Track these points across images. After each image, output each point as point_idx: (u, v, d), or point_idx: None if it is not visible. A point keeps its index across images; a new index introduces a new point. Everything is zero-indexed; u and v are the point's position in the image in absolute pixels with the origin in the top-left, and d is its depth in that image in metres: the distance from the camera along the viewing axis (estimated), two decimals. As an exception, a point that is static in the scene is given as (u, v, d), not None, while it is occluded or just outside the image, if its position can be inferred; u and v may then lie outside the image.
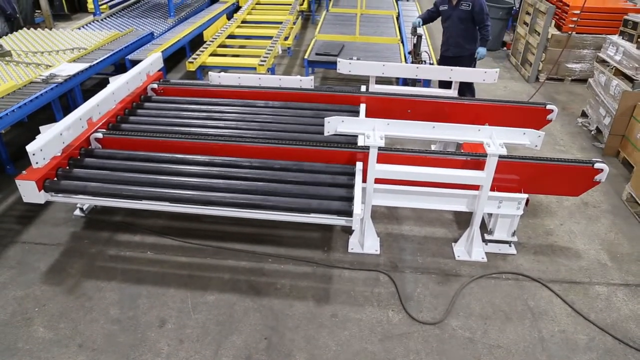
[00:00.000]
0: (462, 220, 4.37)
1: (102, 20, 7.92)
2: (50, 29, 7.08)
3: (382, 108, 4.60)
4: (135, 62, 5.63)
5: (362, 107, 4.56)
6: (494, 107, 4.64)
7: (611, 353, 3.21)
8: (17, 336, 3.22)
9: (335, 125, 3.73)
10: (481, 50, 5.78)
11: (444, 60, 5.89)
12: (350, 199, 3.40)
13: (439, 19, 5.99)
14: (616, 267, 3.95)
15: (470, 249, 3.98)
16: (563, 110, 6.80)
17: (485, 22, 5.57)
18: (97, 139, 4.05)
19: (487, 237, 4.06)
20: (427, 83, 6.19)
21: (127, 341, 3.21)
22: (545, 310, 3.52)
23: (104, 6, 8.60)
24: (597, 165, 3.67)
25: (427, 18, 6.04)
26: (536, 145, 3.66)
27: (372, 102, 4.68)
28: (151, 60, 5.17)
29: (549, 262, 3.97)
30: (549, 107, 4.52)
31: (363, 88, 5.04)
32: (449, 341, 3.26)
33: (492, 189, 3.68)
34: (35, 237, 4.11)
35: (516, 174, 3.79)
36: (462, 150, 4.51)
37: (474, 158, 3.77)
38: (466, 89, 5.99)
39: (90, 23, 7.74)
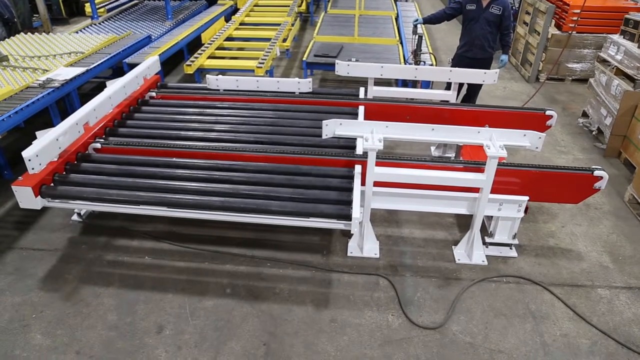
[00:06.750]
0: (463, 223, 4.34)
1: (99, 23, 7.92)
2: (48, 33, 7.07)
3: (381, 114, 4.57)
4: (132, 66, 5.62)
5: (361, 110, 4.54)
6: (493, 112, 4.61)
7: (614, 357, 3.17)
8: (15, 343, 3.20)
9: (333, 128, 3.70)
10: (505, 58, 5.69)
11: (461, 61, 5.72)
12: (349, 203, 3.37)
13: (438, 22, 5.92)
14: (618, 270, 3.92)
15: (470, 252, 3.94)
16: (564, 110, 6.77)
17: (510, 28, 5.54)
18: (95, 149, 4.03)
19: (487, 239, 4.02)
20: (426, 84, 6.16)
21: (124, 348, 3.18)
22: (547, 314, 3.48)
23: (102, 10, 8.58)
24: (596, 173, 3.64)
25: (441, 16, 5.77)
26: (537, 147, 3.63)
27: (370, 108, 4.65)
28: (148, 63, 5.14)
29: (550, 265, 3.94)
30: (548, 112, 4.49)
31: (361, 90, 5.02)
32: (449, 346, 3.23)
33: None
34: (32, 242, 4.09)
35: (515, 181, 3.76)
36: (461, 155, 4.49)
37: (473, 166, 3.75)
38: (474, 94, 5.92)
39: (88, 27, 7.74)
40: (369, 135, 3.57)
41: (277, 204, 3.42)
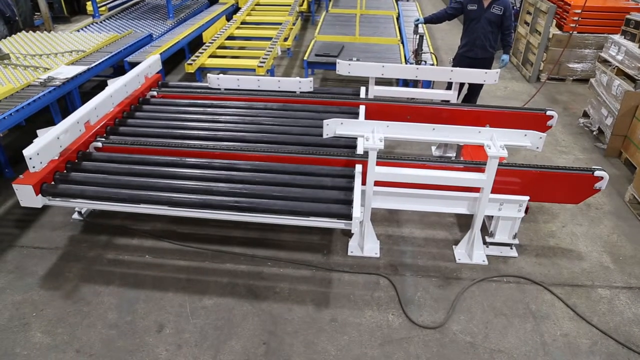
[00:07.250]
0: (463, 222, 4.34)
1: (101, 22, 7.91)
2: (50, 31, 7.07)
3: (382, 113, 4.57)
4: (134, 64, 5.61)
5: (362, 109, 4.54)
6: (494, 113, 4.61)
7: (614, 357, 3.18)
8: (15, 341, 3.20)
9: (334, 127, 3.69)
10: (505, 58, 5.67)
11: (463, 61, 5.72)
12: (349, 202, 3.37)
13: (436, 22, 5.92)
14: (619, 270, 3.91)
15: (471, 252, 3.94)
16: (564, 110, 6.77)
17: (511, 28, 5.52)
18: (96, 148, 4.04)
19: (488, 239, 4.02)
20: (427, 84, 6.15)
21: (125, 346, 3.18)
22: (547, 313, 3.48)
23: (103, 8, 8.58)
24: (597, 173, 3.64)
25: (442, 16, 5.77)
26: (537, 147, 3.62)
27: (371, 107, 4.65)
28: (149, 62, 5.15)
29: (550, 265, 3.93)
30: (549, 112, 4.49)
31: (362, 90, 5.02)
32: (449, 345, 3.23)
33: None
34: (33, 241, 4.09)
35: (515, 181, 3.76)
36: (462, 155, 4.48)
37: (474, 166, 3.75)
38: (475, 94, 5.92)
39: (89, 25, 7.73)
40: (370, 134, 3.57)
41: (278, 202, 3.42)
